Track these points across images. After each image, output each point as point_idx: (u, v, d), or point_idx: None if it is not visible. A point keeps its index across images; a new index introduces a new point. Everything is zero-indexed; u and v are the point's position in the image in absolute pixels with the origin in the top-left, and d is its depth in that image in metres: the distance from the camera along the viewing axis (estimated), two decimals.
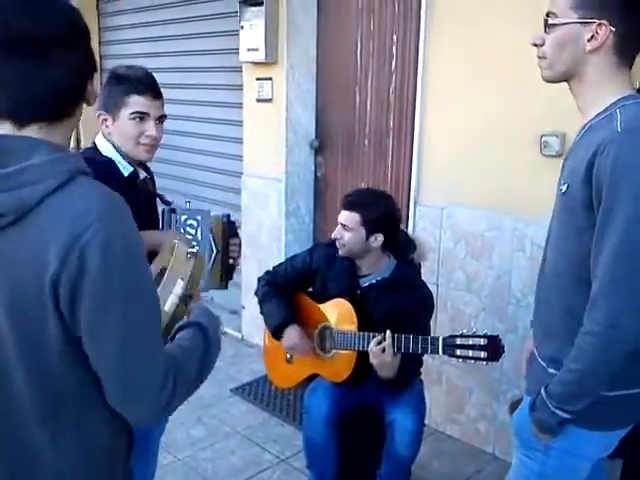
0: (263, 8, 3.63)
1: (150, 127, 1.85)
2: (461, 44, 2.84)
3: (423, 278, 2.49)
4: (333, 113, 3.76)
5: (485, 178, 2.85)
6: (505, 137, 2.75)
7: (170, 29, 4.66)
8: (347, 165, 3.73)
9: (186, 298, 1.42)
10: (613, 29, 1.36)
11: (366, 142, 3.59)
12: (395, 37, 3.35)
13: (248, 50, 3.78)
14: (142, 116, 1.83)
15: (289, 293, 2.49)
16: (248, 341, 4.21)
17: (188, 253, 1.51)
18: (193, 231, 1.97)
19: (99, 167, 1.70)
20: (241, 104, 4.01)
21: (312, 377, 2.48)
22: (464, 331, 2.12)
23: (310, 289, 2.53)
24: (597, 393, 1.40)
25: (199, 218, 1.98)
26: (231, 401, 3.47)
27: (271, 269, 2.59)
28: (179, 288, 1.41)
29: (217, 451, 3.01)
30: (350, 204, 2.32)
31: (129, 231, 1.04)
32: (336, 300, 2.38)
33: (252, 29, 3.73)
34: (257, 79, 3.84)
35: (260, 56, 3.70)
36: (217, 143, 4.45)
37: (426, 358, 2.50)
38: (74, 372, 1.05)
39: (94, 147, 1.86)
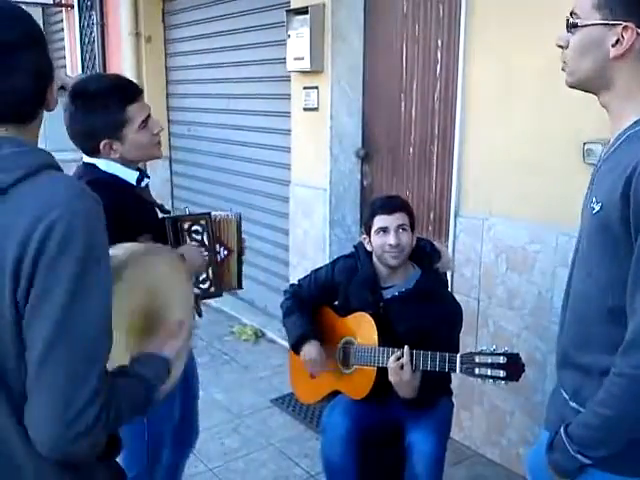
0: (308, 17, 3.61)
1: (155, 124, 1.88)
2: (501, 48, 2.70)
3: (463, 292, 2.36)
4: (379, 121, 3.68)
5: (526, 189, 2.69)
6: (546, 146, 2.59)
7: (224, 40, 4.73)
8: (393, 174, 3.64)
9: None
10: None
11: (411, 150, 3.49)
12: (440, 41, 3.23)
13: (294, 59, 3.76)
14: (146, 123, 1.84)
15: (312, 307, 2.44)
16: None
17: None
18: (199, 237, 1.99)
19: (107, 184, 1.72)
20: (290, 113, 4.00)
21: (337, 393, 2.42)
22: (483, 348, 2.00)
23: (336, 302, 2.47)
24: (624, 440, 1.24)
25: (203, 223, 2.02)
26: (270, 412, 3.44)
27: (296, 282, 2.54)
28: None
29: (249, 462, 2.99)
30: (398, 205, 2.29)
31: (95, 220, 1.00)
32: (358, 314, 2.31)
33: (298, 38, 3.71)
34: (304, 88, 3.81)
35: (305, 65, 3.68)
36: (267, 152, 4.47)
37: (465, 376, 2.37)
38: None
39: (93, 166, 1.81)
